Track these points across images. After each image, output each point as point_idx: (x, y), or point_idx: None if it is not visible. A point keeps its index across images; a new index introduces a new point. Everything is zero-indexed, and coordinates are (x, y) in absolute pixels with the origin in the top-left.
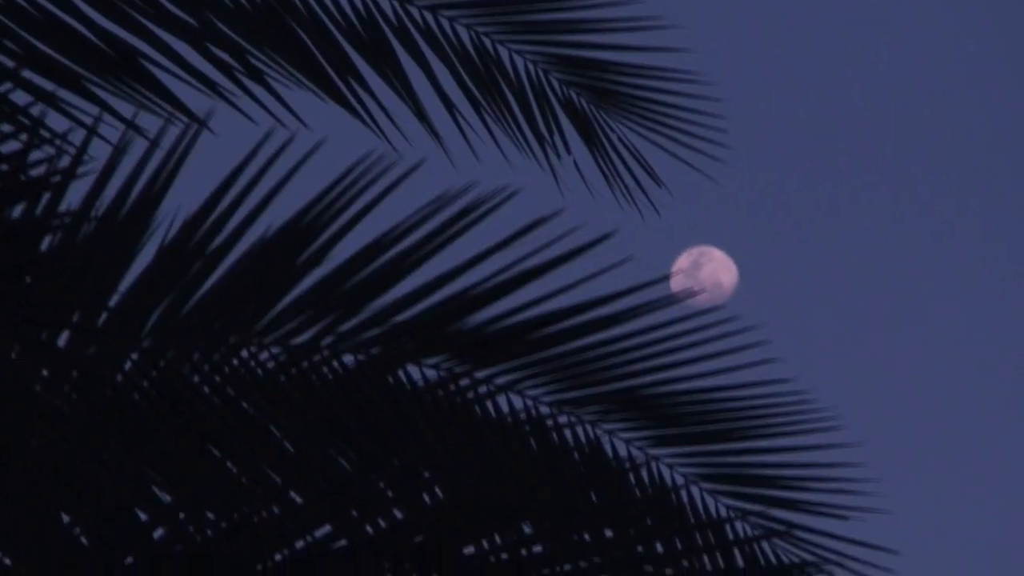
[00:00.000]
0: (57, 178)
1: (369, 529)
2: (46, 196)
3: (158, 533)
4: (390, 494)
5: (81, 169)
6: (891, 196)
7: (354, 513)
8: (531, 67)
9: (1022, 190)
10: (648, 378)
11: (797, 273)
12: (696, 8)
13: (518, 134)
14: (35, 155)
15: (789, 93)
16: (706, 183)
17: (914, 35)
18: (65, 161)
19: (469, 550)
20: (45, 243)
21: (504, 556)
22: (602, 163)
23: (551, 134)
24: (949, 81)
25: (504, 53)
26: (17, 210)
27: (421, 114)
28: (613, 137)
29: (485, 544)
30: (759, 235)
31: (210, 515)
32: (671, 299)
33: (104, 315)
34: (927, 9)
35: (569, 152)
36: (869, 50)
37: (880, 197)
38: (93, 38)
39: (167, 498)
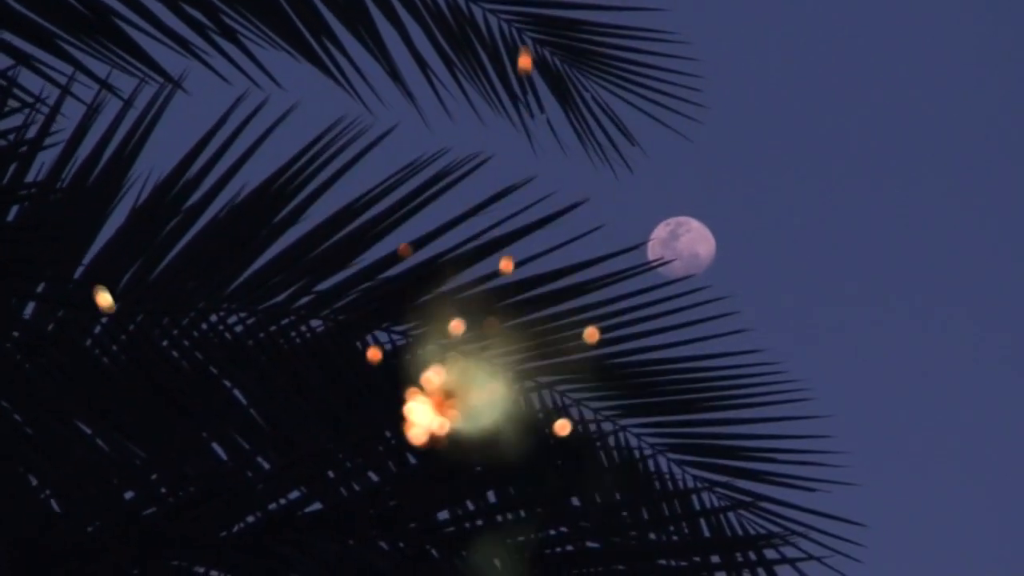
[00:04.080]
0: (25, 147)
1: (343, 492)
2: (15, 162)
3: (129, 496)
4: (360, 460)
5: (54, 129)
6: (872, 171)
7: (328, 477)
8: (505, 26)
9: (997, 170)
10: (617, 347)
11: (777, 247)
12: None
13: (492, 94)
14: (6, 122)
15: (772, 61)
16: (686, 153)
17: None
18: (37, 123)
19: (443, 515)
20: (15, 207)
21: (479, 523)
22: (576, 122)
23: (524, 93)
24: (934, 58)
25: (478, 12)
26: None
27: (395, 74)
28: (587, 96)
29: (458, 511)
30: (740, 208)
31: (181, 478)
32: (642, 267)
33: (74, 280)
34: None
35: (543, 111)
36: (856, 18)
37: (861, 172)
38: None
39: (138, 463)
